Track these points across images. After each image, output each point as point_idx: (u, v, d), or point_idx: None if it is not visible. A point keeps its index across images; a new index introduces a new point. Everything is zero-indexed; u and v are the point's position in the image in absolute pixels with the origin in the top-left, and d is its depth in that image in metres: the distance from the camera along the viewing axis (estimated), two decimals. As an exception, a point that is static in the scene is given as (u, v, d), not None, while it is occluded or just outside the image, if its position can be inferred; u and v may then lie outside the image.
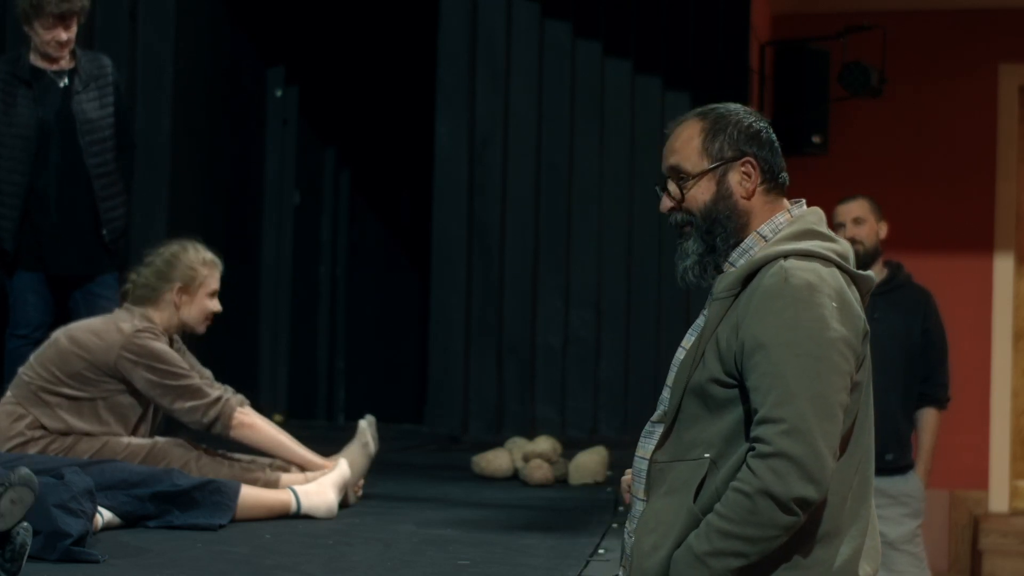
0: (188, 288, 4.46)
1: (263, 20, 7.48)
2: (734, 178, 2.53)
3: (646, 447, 2.53)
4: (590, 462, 5.26)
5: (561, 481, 5.27)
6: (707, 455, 2.41)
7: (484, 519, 4.42)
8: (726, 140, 2.53)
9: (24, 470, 3.04)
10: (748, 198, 2.53)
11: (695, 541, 2.35)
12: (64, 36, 5.07)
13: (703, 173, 2.53)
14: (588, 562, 3.68)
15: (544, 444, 5.40)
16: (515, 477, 5.35)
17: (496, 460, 5.40)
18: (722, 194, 2.53)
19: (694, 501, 2.39)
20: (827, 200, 8.12)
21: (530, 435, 5.82)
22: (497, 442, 5.75)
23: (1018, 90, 7.69)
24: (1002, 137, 7.69)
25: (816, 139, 7.37)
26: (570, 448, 5.55)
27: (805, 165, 7.61)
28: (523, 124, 6.78)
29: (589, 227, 6.73)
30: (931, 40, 7.71)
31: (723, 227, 2.53)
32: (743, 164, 2.53)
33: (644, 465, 2.52)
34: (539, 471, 5.23)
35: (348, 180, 8.01)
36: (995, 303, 7.65)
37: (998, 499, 7.60)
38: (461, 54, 6.81)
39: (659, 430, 2.50)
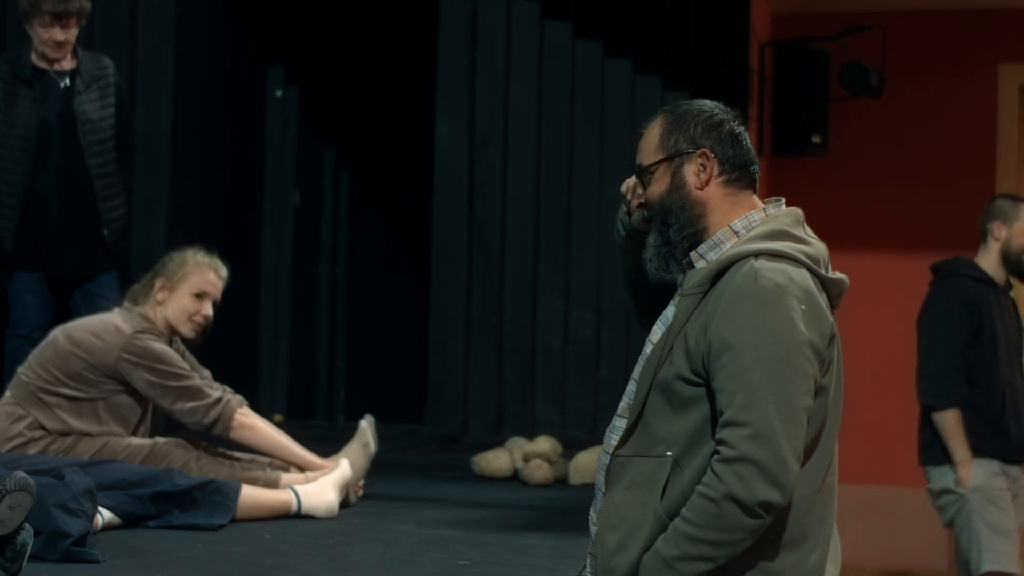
0: (168, 283, 4.44)
1: (263, 20, 7.48)
2: (689, 169, 2.54)
3: (611, 440, 2.53)
4: (590, 462, 5.26)
5: (561, 481, 5.27)
6: (669, 453, 2.41)
7: (484, 519, 4.42)
8: (682, 134, 2.55)
9: (20, 474, 3.04)
10: (702, 189, 2.53)
11: (663, 546, 2.36)
12: (61, 36, 5.07)
13: (657, 164, 2.56)
14: (590, 553, 3.67)
15: (544, 444, 5.40)
16: (515, 477, 5.35)
17: (496, 460, 5.40)
18: (676, 185, 2.54)
19: (660, 502, 2.39)
20: (827, 200, 8.13)
21: (530, 435, 5.82)
22: (497, 442, 5.75)
23: (1018, 90, 7.69)
24: (1002, 137, 7.69)
25: (816, 139, 7.37)
26: (570, 448, 5.55)
27: (805, 165, 7.62)
28: (523, 124, 6.78)
29: (589, 227, 6.72)
30: (931, 40, 7.71)
31: (676, 218, 2.53)
32: (699, 156, 2.53)
33: (607, 459, 2.53)
34: (539, 471, 5.23)
35: (348, 180, 8.02)
36: (995, 303, 7.65)
37: (998, 499, 7.59)
38: (461, 54, 6.81)
39: (623, 424, 2.51)
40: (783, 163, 7.56)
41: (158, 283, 4.44)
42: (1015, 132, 7.69)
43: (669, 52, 6.71)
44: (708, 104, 2.60)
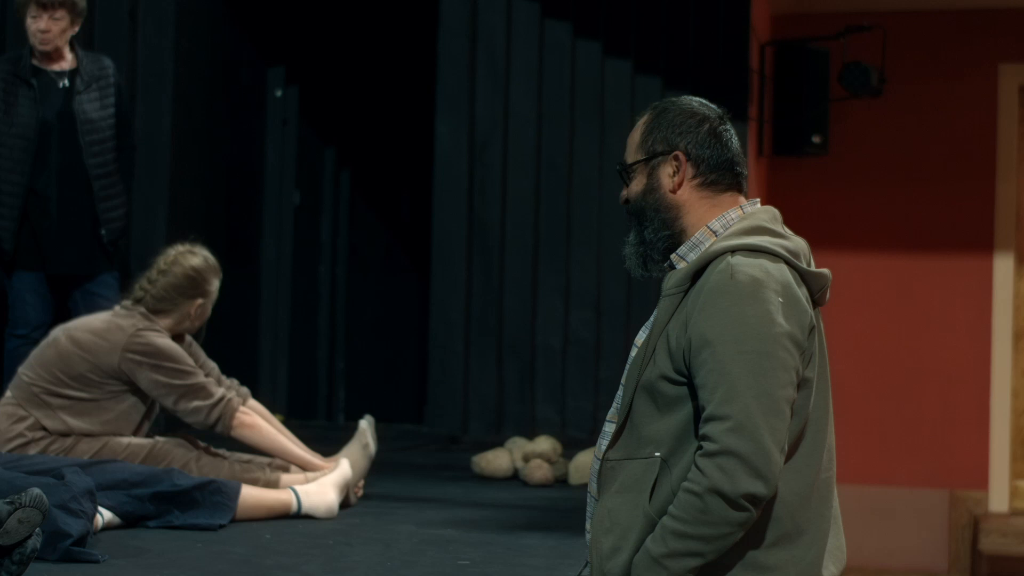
0: (206, 304, 4.49)
1: (263, 20, 7.48)
2: (665, 171, 2.56)
3: (601, 446, 2.54)
4: (590, 462, 5.26)
5: (561, 481, 5.27)
6: (658, 454, 2.42)
7: (484, 519, 4.42)
8: (660, 134, 2.56)
9: (36, 491, 3.07)
10: (675, 192, 2.55)
11: (652, 544, 2.36)
12: (44, 25, 5.05)
13: (635, 164, 2.59)
14: (588, 562, 3.67)
15: (544, 444, 5.41)
16: (515, 477, 5.35)
17: (496, 460, 5.40)
18: (651, 186, 2.57)
19: (649, 502, 2.40)
20: (827, 200, 8.11)
21: (530, 435, 5.82)
22: (497, 442, 5.75)
23: (1018, 90, 7.69)
24: (1002, 137, 7.69)
25: (816, 139, 7.37)
26: (570, 448, 5.56)
27: (805, 165, 7.62)
28: (523, 124, 6.78)
29: (589, 227, 6.72)
30: (931, 40, 7.71)
31: (651, 219, 2.56)
32: (673, 157, 2.54)
33: (599, 464, 2.53)
34: (539, 471, 5.23)
35: (348, 180, 8.02)
36: (995, 303, 7.66)
37: (998, 499, 7.60)
38: (461, 54, 6.81)
39: (612, 428, 2.52)
40: (783, 163, 7.56)
41: (197, 304, 4.44)
42: (1015, 132, 7.69)
43: (669, 52, 6.71)
44: (694, 102, 2.59)
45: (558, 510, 4.64)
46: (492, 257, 6.78)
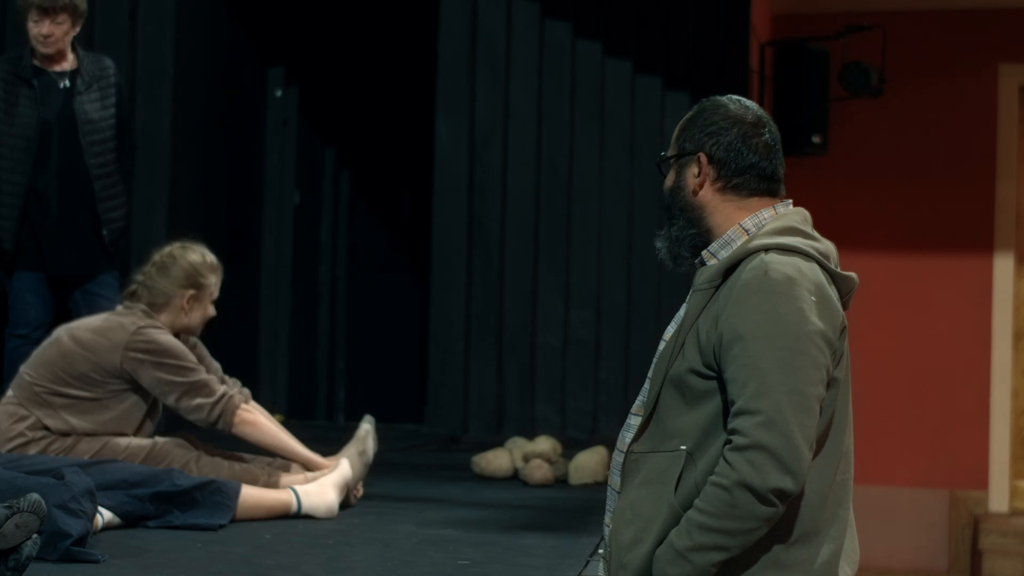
0: (198, 296, 4.46)
1: (263, 20, 7.48)
2: (691, 171, 2.57)
3: (625, 439, 2.54)
4: (590, 462, 5.26)
5: (561, 481, 5.27)
6: (683, 447, 2.42)
7: (484, 519, 4.42)
8: (690, 132, 2.57)
9: (35, 496, 3.06)
10: (696, 193, 2.56)
11: (676, 537, 2.35)
12: (47, 30, 5.06)
13: (667, 160, 2.61)
14: (588, 562, 3.68)
15: (544, 444, 5.41)
16: (515, 477, 5.35)
17: (496, 460, 5.40)
18: (679, 184, 2.59)
19: (674, 495, 2.40)
20: (827, 200, 8.09)
21: (530, 435, 5.82)
22: (497, 442, 5.75)
23: (1018, 90, 7.69)
24: (1002, 137, 7.69)
25: (816, 139, 7.37)
26: (570, 448, 5.56)
27: (805, 165, 7.62)
28: (523, 124, 6.78)
29: (589, 227, 6.73)
30: (931, 40, 7.72)
31: (676, 218, 2.59)
32: (697, 159, 2.55)
33: (622, 458, 2.53)
34: (539, 471, 5.23)
35: (348, 180, 8.02)
36: (995, 303, 7.66)
37: (998, 499, 7.61)
38: (461, 54, 6.81)
39: (637, 421, 2.52)
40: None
41: (187, 294, 4.43)
42: (1015, 132, 7.69)
43: (669, 52, 6.71)
44: (732, 104, 2.58)
45: (558, 510, 4.64)
46: (492, 257, 6.78)
